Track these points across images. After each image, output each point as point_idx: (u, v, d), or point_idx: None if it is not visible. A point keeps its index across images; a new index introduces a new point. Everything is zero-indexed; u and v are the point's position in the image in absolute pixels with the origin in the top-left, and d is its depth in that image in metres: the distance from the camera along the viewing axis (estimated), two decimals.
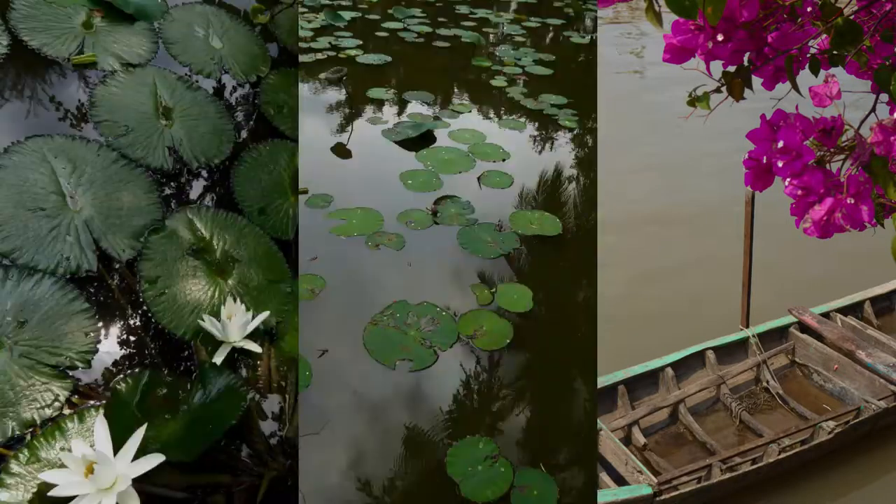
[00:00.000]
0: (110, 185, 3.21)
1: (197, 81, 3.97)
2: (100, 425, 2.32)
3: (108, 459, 2.19)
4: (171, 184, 3.46)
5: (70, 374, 2.61)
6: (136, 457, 2.27)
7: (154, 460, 2.25)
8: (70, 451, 2.29)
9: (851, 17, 1.28)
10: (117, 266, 3.01)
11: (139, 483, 2.26)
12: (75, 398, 2.56)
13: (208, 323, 2.90)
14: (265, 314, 3.07)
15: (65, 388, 2.55)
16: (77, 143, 3.27)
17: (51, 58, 3.62)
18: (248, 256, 3.34)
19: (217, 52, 4.19)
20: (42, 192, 3.01)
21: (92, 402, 2.56)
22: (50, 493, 2.15)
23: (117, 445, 2.29)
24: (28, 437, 2.40)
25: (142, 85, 3.75)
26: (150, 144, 3.49)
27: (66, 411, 2.50)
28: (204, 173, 3.60)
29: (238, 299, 3.12)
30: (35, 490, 2.26)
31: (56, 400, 2.51)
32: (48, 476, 2.20)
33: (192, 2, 4.46)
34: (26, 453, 2.34)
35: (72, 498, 2.18)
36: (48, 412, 2.47)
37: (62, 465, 2.24)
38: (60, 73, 3.59)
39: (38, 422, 2.45)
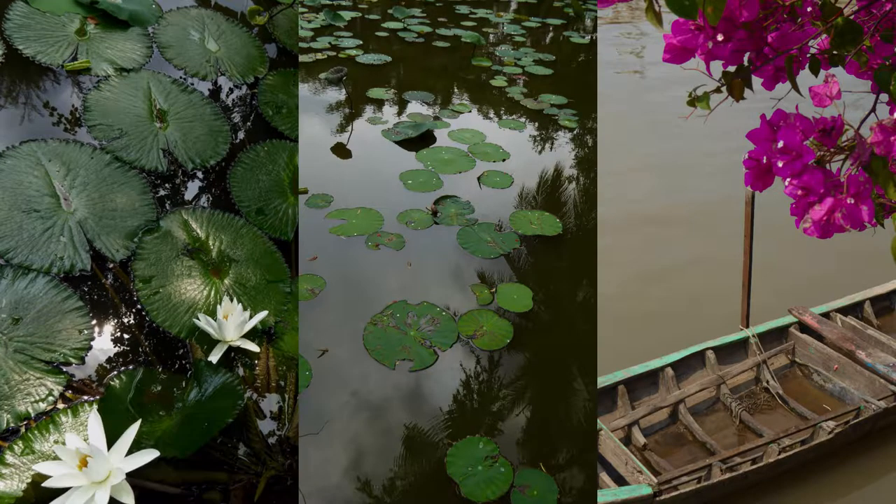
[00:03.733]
0: (104, 187, 3.24)
1: (192, 84, 3.97)
2: (94, 420, 2.34)
3: (101, 453, 2.20)
4: (167, 185, 3.46)
5: (64, 369, 2.65)
6: (130, 452, 2.29)
7: (148, 456, 2.27)
8: (64, 443, 2.31)
9: (851, 17, 1.27)
10: (111, 266, 3.04)
11: (133, 478, 2.26)
12: (69, 393, 2.60)
13: (203, 322, 2.90)
14: (263, 314, 3.07)
15: (59, 383, 2.60)
16: (71, 147, 3.30)
17: (45, 65, 3.64)
18: (246, 256, 3.36)
19: (213, 54, 4.19)
20: (36, 195, 3.06)
21: (86, 397, 2.60)
22: (44, 484, 2.15)
23: (111, 440, 2.31)
24: (23, 429, 2.43)
25: (136, 89, 3.76)
26: (144, 147, 3.51)
27: (60, 406, 2.54)
28: (200, 174, 3.61)
29: (235, 299, 3.14)
30: (29, 481, 2.28)
31: (50, 394, 2.56)
32: (42, 467, 2.21)
33: (187, 6, 4.44)
34: (21, 445, 2.37)
35: (65, 490, 2.18)
36: (42, 406, 2.51)
37: (56, 458, 2.26)
38: (55, 80, 3.59)
39: (33, 415, 2.48)
